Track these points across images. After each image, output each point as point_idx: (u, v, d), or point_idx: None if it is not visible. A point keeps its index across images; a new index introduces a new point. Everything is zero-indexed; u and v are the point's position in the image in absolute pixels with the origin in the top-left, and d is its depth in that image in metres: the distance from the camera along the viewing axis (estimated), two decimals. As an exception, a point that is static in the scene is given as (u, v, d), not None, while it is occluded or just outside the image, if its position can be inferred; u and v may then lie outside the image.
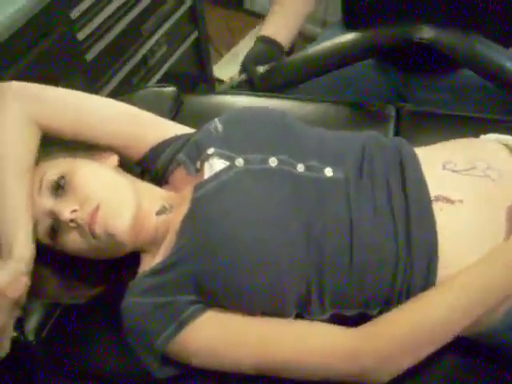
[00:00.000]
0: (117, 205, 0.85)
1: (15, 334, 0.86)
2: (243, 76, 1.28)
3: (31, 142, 0.90)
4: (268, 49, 1.28)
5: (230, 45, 2.53)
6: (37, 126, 0.91)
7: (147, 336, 0.82)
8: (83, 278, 0.96)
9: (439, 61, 1.20)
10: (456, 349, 0.84)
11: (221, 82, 2.41)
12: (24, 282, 0.81)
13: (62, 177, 0.87)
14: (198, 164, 0.90)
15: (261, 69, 1.25)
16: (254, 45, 1.30)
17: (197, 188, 0.86)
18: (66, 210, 0.83)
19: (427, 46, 1.13)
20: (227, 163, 0.86)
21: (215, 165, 0.86)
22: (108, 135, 0.96)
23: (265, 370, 0.80)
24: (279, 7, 1.35)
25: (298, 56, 1.26)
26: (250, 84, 1.27)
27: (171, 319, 0.81)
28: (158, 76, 1.95)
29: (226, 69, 2.45)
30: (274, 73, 1.24)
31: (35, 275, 0.84)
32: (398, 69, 1.41)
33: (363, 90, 1.42)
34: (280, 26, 1.32)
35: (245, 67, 1.28)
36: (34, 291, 0.85)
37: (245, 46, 2.42)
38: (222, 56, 2.52)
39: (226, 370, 0.82)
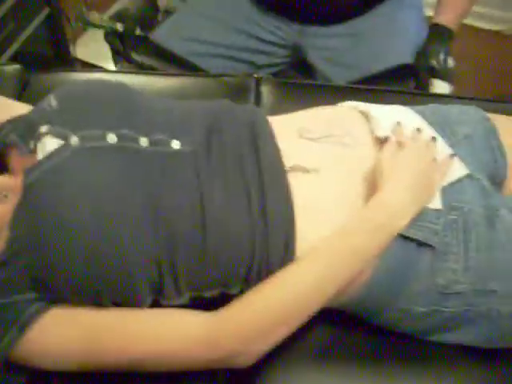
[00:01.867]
0: None
1: None
2: (119, 26, 1.20)
3: None
4: (147, 8, 1.29)
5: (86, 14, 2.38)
6: None
7: None
8: None
9: (338, 11, 1.21)
10: (322, 319, 0.83)
11: (83, 63, 2.27)
12: None
13: None
14: (32, 144, 0.81)
15: (138, 30, 1.19)
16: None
17: (27, 172, 0.77)
18: None
19: None
20: (61, 142, 0.78)
21: (48, 144, 0.78)
22: None
23: (123, 365, 0.75)
24: None
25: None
26: (119, 37, 1.21)
27: (12, 322, 0.72)
28: (5, 57, 1.79)
29: (88, 47, 2.31)
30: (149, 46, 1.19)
31: None
32: (293, 20, 1.39)
33: (256, 37, 1.40)
34: None
35: (122, 19, 1.22)
36: None
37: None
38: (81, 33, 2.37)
39: (80, 369, 0.75)
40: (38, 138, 0.79)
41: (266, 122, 0.88)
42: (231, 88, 1.18)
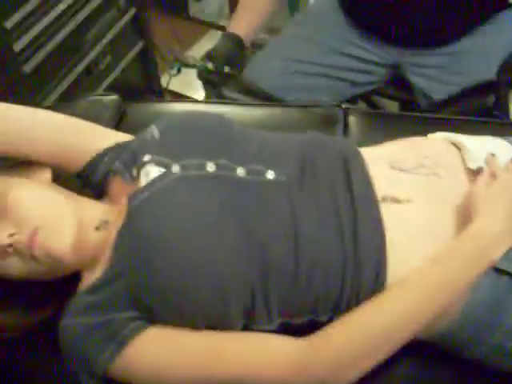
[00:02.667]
0: (56, 224, 0.80)
1: None
2: (210, 65, 1.29)
3: None
4: (235, 48, 1.37)
5: (179, 54, 2.49)
6: None
7: (86, 358, 0.77)
8: (24, 302, 0.89)
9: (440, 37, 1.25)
10: (412, 352, 0.82)
11: (171, 92, 2.36)
12: None
13: None
14: (135, 172, 0.85)
15: (226, 69, 1.30)
16: (222, 40, 1.39)
17: (131, 198, 0.81)
18: (2, 235, 0.77)
19: None
20: (163, 170, 0.82)
21: (151, 172, 0.82)
22: (44, 148, 0.90)
23: None
24: (244, 5, 1.45)
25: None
26: (213, 76, 1.32)
27: (110, 339, 0.76)
28: (102, 87, 1.89)
29: (176, 78, 2.40)
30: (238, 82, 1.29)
31: None
32: (395, 44, 1.41)
33: (356, 57, 1.44)
34: (245, 24, 1.43)
35: (212, 59, 1.33)
36: None
37: (195, 54, 2.40)
38: (171, 67, 2.47)
39: None
40: (140, 166, 0.84)
41: (358, 152, 0.89)
42: (319, 118, 1.19)
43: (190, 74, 2.17)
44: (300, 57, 1.43)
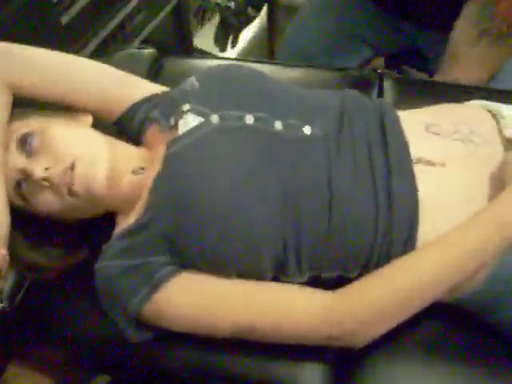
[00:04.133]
0: (92, 159, 0.82)
1: (1, 305, 0.82)
2: (232, 4, 1.32)
3: (2, 106, 0.86)
4: None
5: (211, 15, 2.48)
6: (8, 89, 0.87)
7: (120, 300, 0.80)
8: (59, 243, 0.92)
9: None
10: (433, 313, 0.83)
11: (202, 51, 2.36)
12: (1, 255, 0.77)
13: (32, 133, 0.83)
14: (172, 121, 0.87)
15: (249, 10, 1.34)
16: None
17: (169, 145, 0.83)
18: (38, 169, 0.80)
19: None
20: (202, 120, 0.84)
21: (190, 121, 0.84)
22: (85, 95, 0.93)
23: (241, 332, 0.79)
24: None
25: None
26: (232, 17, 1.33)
27: (144, 281, 0.79)
28: (135, 43, 1.90)
29: (206, 39, 2.40)
30: None
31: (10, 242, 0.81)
32: (411, 22, 1.38)
33: (369, 38, 1.42)
34: None
35: None
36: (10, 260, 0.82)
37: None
38: (201, 26, 2.46)
39: (201, 333, 0.80)
40: (179, 114, 0.85)
41: (395, 113, 0.89)
42: (354, 81, 1.20)
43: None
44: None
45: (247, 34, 2.41)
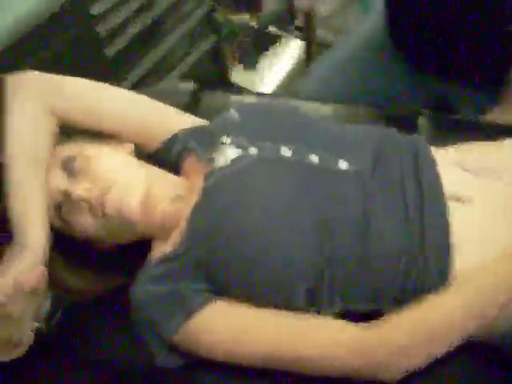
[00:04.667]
0: (128, 184, 0.85)
1: (38, 325, 0.83)
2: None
3: (48, 133, 0.89)
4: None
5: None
6: (54, 117, 0.91)
7: (155, 324, 0.81)
8: (97, 268, 0.95)
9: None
10: (469, 352, 0.82)
11: (239, 86, 2.41)
12: (41, 270, 0.79)
13: (74, 156, 0.87)
14: (212, 152, 0.89)
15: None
16: None
17: (207, 176, 0.85)
18: (78, 188, 0.83)
19: None
20: (240, 152, 0.86)
21: (228, 153, 0.86)
22: (126, 125, 0.96)
23: (273, 363, 0.79)
24: None
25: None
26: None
27: (180, 307, 0.80)
28: (175, 77, 1.95)
29: (244, 75, 2.45)
30: None
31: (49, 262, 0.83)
32: (439, 77, 1.37)
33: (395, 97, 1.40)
34: None
35: None
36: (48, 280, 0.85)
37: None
38: (238, 62, 2.52)
39: (232, 361, 0.81)
40: (218, 146, 0.88)
41: (429, 149, 0.90)
42: (390, 118, 1.21)
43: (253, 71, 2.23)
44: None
45: (284, 69, 2.45)
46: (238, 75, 2.44)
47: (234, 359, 0.81)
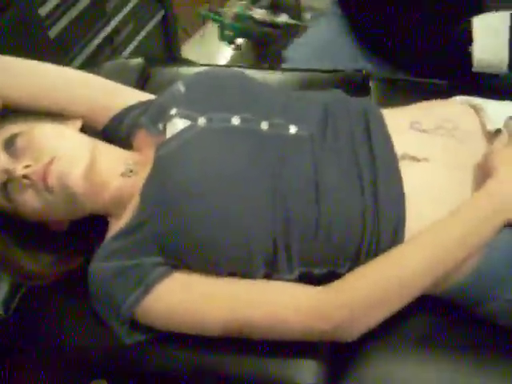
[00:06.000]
0: (71, 157, 0.84)
1: None
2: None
3: None
4: None
5: (198, 26, 2.50)
6: None
7: (113, 301, 0.81)
8: (52, 250, 0.93)
9: None
10: (424, 307, 0.85)
11: (189, 62, 2.38)
12: None
13: (16, 135, 0.85)
14: (161, 125, 0.88)
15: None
16: None
17: (159, 148, 0.85)
18: (18, 167, 0.81)
19: None
20: (189, 122, 0.85)
21: (177, 124, 0.85)
22: (72, 103, 0.95)
23: (233, 331, 0.79)
24: None
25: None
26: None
27: (137, 283, 0.79)
28: (124, 55, 1.92)
29: (194, 50, 2.42)
30: None
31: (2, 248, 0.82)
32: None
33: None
34: None
35: None
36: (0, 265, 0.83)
37: (213, 28, 2.40)
38: (189, 37, 2.49)
39: (193, 332, 0.81)
40: (167, 119, 0.87)
41: (379, 111, 0.91)
42: (340, 83, 1.21)
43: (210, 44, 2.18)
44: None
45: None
46: (188, 50, 2.42)
47: (194, 330, 0.81)
